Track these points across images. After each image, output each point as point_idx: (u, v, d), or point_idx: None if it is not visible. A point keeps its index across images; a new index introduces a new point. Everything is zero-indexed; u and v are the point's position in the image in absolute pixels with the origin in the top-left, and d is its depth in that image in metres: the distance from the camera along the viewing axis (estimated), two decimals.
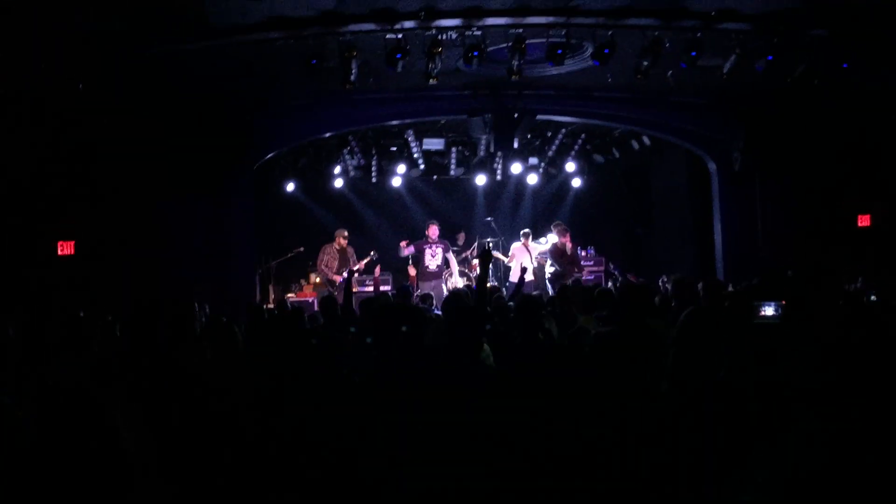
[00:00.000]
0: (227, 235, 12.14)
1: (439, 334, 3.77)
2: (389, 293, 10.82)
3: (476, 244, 14.62)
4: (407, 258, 13.37)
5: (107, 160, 10.15)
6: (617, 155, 15.26)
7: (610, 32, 8.91)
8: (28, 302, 8.21)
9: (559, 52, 9.11)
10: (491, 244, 13.32)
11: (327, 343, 4.45)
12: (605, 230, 16.33)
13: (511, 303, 6.68)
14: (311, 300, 12.60)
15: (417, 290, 12.35)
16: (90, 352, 4.48)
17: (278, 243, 14.08)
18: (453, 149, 14.98)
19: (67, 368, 3.94)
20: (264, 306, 10.33)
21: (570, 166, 15.78)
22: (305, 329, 6.03)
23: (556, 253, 12.67)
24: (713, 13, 8.62)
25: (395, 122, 13.32)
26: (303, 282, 14.16)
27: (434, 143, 14.48)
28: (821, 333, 3.54)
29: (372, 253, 12.70)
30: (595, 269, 14.25)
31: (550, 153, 15.45)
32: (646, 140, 14.12)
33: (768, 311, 3.49)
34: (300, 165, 14.62)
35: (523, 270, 9.25)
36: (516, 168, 15.34)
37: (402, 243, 12.81)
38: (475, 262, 14.16)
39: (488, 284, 6.06)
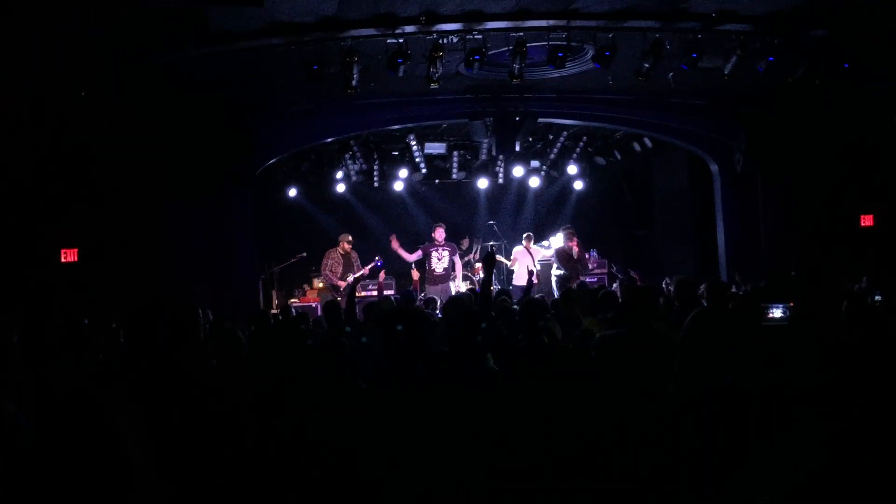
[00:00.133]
0: (230, 241, 12.15)
1: (444, 338, 3.77)
2: (393, 298, 10.82)
3: (479, 248, 14.62)
4: (410, 262, 13.37)
5: (110, 167, 10.16)
6: (619, 157, 15.26)
7: (611, 35, 8.91)
8: (31, 306, 8.21)
9: (560, 54, 9.11)
10: (493, 248, 13.34)
11: (330, 346, 4.45)
12: (608, 232, 16.33)
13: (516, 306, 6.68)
14: (314, 305, 12.58)
15: (422, 294, 12.33)
16: (92, 356, 4.48)
17: (281, 249, 14.09)
18: (455, 152, 14.99)
19: (68, 372, 3.94)
20: (269, 311, 10.34)
21: (572, 169, 15.78)
22: (310, 334, 6.01)
23: (563, 256, 12.69)
24: (714, 14, 8.62)
25: (396, 127, 13.34)
26: (306, 287, 14.15)
27: (436, 147, 14.49)
28: (827, 335, 3.54)
29: (377, 258, 12.69)
30: (598, 271, 14.25)
31: (552, 156, 15.46)
32: (647, 142, 14.11)
33: (776, 313, 3.48)
34: (302, 171, 14.63)
35: (530, 273, 9.27)
36: (518, 171, 15.36)
37: (392, 237, 12.78)
38: (478, 265, 14.17)
39: (492, 288, 6.04)
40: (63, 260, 10.22)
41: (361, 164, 14.96)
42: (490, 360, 4.23)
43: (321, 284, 13.60)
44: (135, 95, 9.57)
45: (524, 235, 13.81)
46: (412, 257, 12.91)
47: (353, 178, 15.43)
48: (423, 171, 15.13)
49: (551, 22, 8.76)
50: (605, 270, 14.39)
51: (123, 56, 8.49)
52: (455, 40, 9.03)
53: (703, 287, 7.71)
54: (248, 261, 12.31)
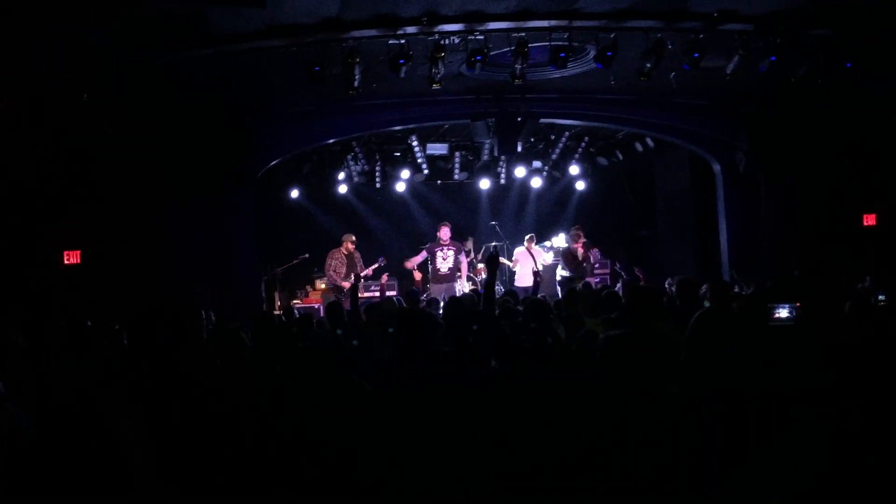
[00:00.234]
0: (231, 242, 12.15)
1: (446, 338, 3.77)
2: (395, 298, 10.83)
3: (483, 249, 14.64)
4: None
5: (111, 168, 10.17)
6: (620, 157, 15.27)
7: (612, 35, 8.91)
8: (33, 307, 8.21)
9: (562, 55, 9.11)
10: (496, 248, 13.36)
11: (333, 347, 4.44)
12: (610, 232, 16.32)
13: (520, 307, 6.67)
14: (317, 306, 12.58)
15: (424, 293, 12.32)
16: (94, 357, 4.48)
17: (283, 250, 14.10)
18: (457, 153, 15.00)
19: (70, 373, 3.94)
20: (273, 313, 10.34)
21: (574, 169, 15.79)
22: (314, 335, 6.01)
23: (568, 257, 12.78)
24: (715, 14, 8.61)
25: (398, 128, 13.34)
26: (308, 288, 14.16)
27: (438, 148, 14.49)
28: (831, 335, 3.53)
29: (380, 259, 12.70)
30: (601, 271, 14.26)
31: (554, 156, 15.46)
32: (649, 142, 14.11)
33: (783, 313, 3.47)
34: (304, 172, 14.64)
35: (535, 274, 9.27)
36: (520, 171, 15.36)
37: (407, 264, 12.79)
38: (480, 266, 14.18)
39: (496, 289, 6.05)
40: (65, 262, 10.23)
41: (363, 165, 14.97)
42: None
43: (324, 285, 13.60)
44: (136, 96, 9.58)
45: (526, 237, 13.82)
46: (419, 259, 12.89)
47: (355, 180, 15.44)
48: (425, 171, 15.13)
49: (553, 22, 8.75)
50: (608, 270, 14.40)
51: (125, 57, 8.49)
52: (457, 41, 9.03)
53: (704, 287, 7.70)
54: (249, 262, 12.30)
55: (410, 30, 8.64)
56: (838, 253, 11.49)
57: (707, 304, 6.42)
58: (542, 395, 3.39)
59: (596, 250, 13.65)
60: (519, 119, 12.11)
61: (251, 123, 11.89)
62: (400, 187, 15.65)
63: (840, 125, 11.73)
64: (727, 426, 2.77)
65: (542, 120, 12.76)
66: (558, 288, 12.61)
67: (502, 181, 16.22)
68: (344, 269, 12.44)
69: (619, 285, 12.92)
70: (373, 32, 8.67)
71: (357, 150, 14.26)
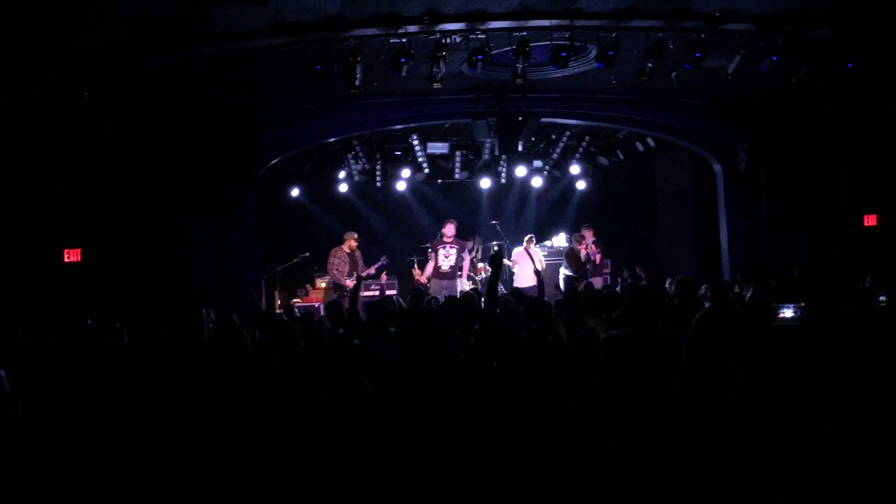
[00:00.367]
0: (232, 241, 12.15)
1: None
2: (395, 298, 10.82)
3: (481, 247, 14.64)
4: (413, 259, 13.36)
5: (112, 167, 10.18)
6: (621, 157, 15.26)
7: (614, 34, 8.89)
8: (34, 306, 8.22)
9: (563, 54, 9.10)
10: (496, 248, 13.36)
11: (335, 347, 4.44)
12: (611, 232, 16.33)
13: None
14: (317, 305, 12.57)
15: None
16: (98, 360, 4.48)
17: (284, 249, 14.09)
18: (458, 152, 14.99)
19: (76, 377, 3.93)
20: (276, 312, 10.34)
21: (575, 168, 15.79)
22: (316, 334, 6.02)
23: (570, 257, 12.85)
24: (717, 14, 8.60)
25: (399, 127, 13.34)
26: (308, 287, 14.15)
27: (438, 147, 14.48)
28: (833, 335, 3.52)
29: (383, 258, 12.68)
30: (607, 271, 14.30)
31: (555, 156, 15.46)
32: (650, 142, 14.11)
33: (787, 312, 3.46)
34: (305, 171, 14.63)
35: (538, 273, 9.29)
36: (521, 171, 15.36)
37: (421, 278, 12.73)
38: (481, 265, 14.19)
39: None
40: (66, 259, 10.24)
41: (364, 164, 14.97)
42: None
43: (324, 284, 13.58)
44: (137, 95, 9.57)
45: (526, 237, 13.82)
46: (431, 267, 12.75)
47: (356, 178, 15.43)
48: (426, 170, 15.13)
49: (554, 21, 8.73)
50: (609, 270, 14.43)
51: (126, 56, 8.49)
52: (458, 40, 9.01)
53: (704, 287, 7.70)
54: (251, 260, 12.30)
55: (412, 29, 8.62)
56: (839, 253, 11.49)
57: (707, 304, 6.43)
58: (544, 395, 3.39)
59: (599, 250, 13.65)
60: (520, 118, 12.09)
61: (252, 122, 11.89)
62: (400, 186, 15.65)
63: (841, 125, 11.74)
64: (730, 425, 2.77)
65: (543, 119, 12.74)
66: (561, 286, 12.63)
67: (503, 180, 16.23)
68: (347, 268, 12.35)
69: (620, 282, 12.99)
70: (374, 31, 8.65)
71: (358, 148, 14.25)
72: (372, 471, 3.01)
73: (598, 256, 13.40)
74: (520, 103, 12.09)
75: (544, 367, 3.94)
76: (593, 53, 9.60)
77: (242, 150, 11.90)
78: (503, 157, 14.81)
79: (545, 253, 14.32)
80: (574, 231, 14.88)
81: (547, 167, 15.98)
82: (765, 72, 9.47)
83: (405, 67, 8.94)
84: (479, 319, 4.82)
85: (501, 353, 4.26)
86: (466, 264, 12.98)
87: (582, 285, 11.17)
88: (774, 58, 9.24)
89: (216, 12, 7.81)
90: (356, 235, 12.75)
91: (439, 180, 16.07)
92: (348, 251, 12.52)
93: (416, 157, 14.63)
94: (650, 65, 9.34)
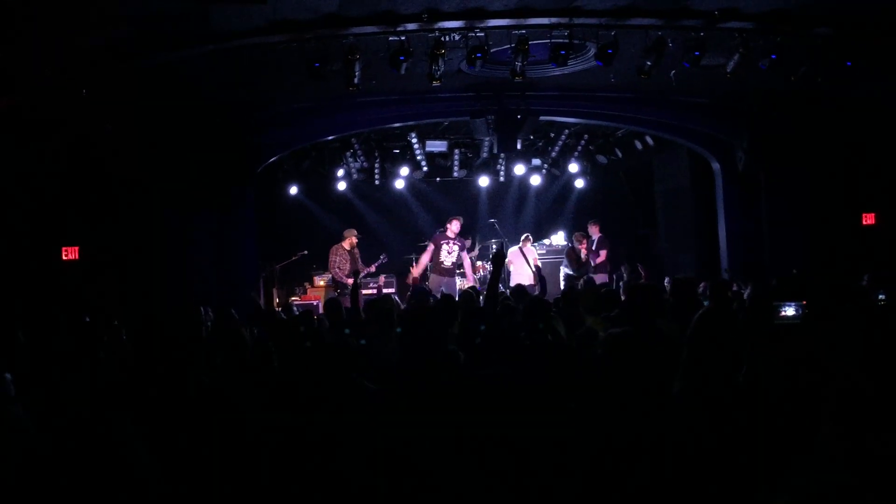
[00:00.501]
0: (231, 239, 12.13)
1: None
2: (393, 296, 10.81)
3: (480, 246, 14.63)
4: (411, 257, 13.33)
5: (111, 165, 10.17)
6: (620, 155, 15.26)
7: (613, 32, 8.89)
8: (34, 308, 8.21)
9: (562, 52, 9.10)
10: (501, 246, 13.36)
11: (336, 346, 4.43)
12: (609, 231, 16.33)
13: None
14: (315, 303, 12.55)
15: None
16: (98, 359, 4.47)
17: (282, 247, 14.07)
18: (456, 150, 15.00)
19: (76, 377, 3.93)
20: (275, 309, 10.32)
21: (574, 167, 15.79)
22: (316, 332, 6.00)
23: (571, 256, 12.89)
24: (716, 12, 8.60)
25: (397, 125, 13.33)
26: (307, 285, 14.14)
27: (437, 145, 14.47)
28: (833, 334, 3.52)
29: (382, 256, 12.66)
30: (607, 268, 14.27)
31: (553, 154, 15.47)
32: (649, 140, 14.11)
33: (789, 311, 3.45)
34: (303, 169, 14.62)
35: (539, 270, 9.31)
36: (519, 169, 15.37)
37: (415, 272, 12.61)
38: (480, 264, 14.19)
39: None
40: (64, 257, 10.23)
41: (362, 162, 14.96)
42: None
43: (322, 282, 13.56)
44: (137, 95, 9.56)
45: (522, 236, 13.82)
46: (425, 259, 12.60)
47: (354, 176, 15.43)
48: (425, 168, 15.13)
49: (553, 19, 8.73)
50: (608, 268, 14.40)
51: (126, 56, 8.47)
52: (457, 38, 9.01)
53: (703, 285, 7.70)
54: (250, 258, 12.28)
55: (411, 26, 8.62)
56: (837, 251, 11.50)
57: (706, 303, 6.43)
58: (544, 394, 3.39)
59: (604, 248, 13.65)
60: (519, 116, 12.09)
61: (251, 120, 11.87)
62: (399, 184, 15.65)
63: (840, 124, 11.74)
64: (730, 425, 2.77)
65: (542, 117, 12.75)
66: (562, 286, 12.66)
67: (501, 179, 16.23)
68: (348, 266, 12.28)
69: (621, 281, 12.99)
70: (373, 29, 8.65)
71: (356, 146, 14.25)
72: (372, 471, 3.01)
73: (603, 253, 13.41)
74: (519, 101, 12.09)
75: (544, 366, 3.94)
76: (592, 52, 9.59)
77: (241, 149, 11.88)
78: (502, 155, 14.81)
79: (543, 251, 14.32)
80: (573, 229, 14.90)
81: (545, 165, 15.98)
82: (764, 70, 9.48)
83: (404, 65, 8.93)
84: (479, 318, 4.81)
85: (501, 352, 4.26)
86: (468, 263, 12.92)
87: (581, 282, 11.19)
88: (773, 56, 9.24)
89: (215, 11, 7.81)
90: (356, 232, 12.72)
91: (438, 178, 16.08)
92: (349, 248, 12.47)
93: (414, 156, 14.63)
94: (649, 63, 9.34)
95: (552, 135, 14.92)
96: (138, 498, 2.53)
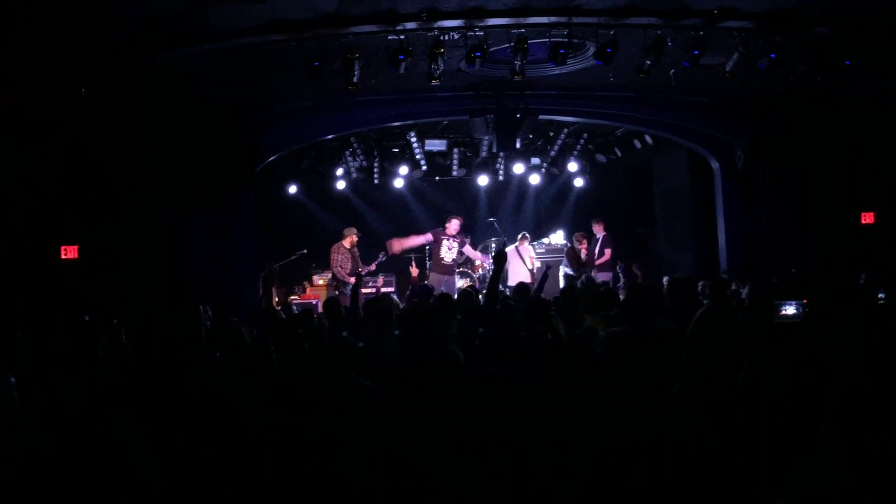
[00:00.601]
0: (230, 238, 12.13)
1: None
2: (392, 295, 10.80)
3: (480, 246, 14.64)
4: (410, 256, 13.31)
5: (110, 164, 10.16)
6: (619, 154, 15.26)
7: (612, 31, 8.90)
8: (34, 307, 8.20)
9: (561, 51, 9.10)
10: (503, 244, 13.36)
11: (336, 345, 4.43)
12: (609, 230, 16.33)
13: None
14: (314, 302, 12.53)
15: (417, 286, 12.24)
16: (98, 359, 4.47)
17: (281, 246, 14.06)
18: (455, 149, 15.00)
19: (76, 377, 3.93)
20: (276, 308, 10.31)
21: (573, 166, 15.79)
22: (316, 331, 6.00)
23: (571, 256, 12.91)
24: (715, 11, 8.60)
25: (397, 124, 13.33)
26: (306, 284, 14.12)
27: (436, 144, 14.49)
28: (833, 333, 3.52)
29: (381, 254, 12.64)
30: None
31: (553, 153, 15.47)
32: (648, 139, 14.12)
33: (789, 310, 3.45)
34: (302, 168, 14.62)
35: (541, 267, 9.31)
36: (518, 168, 15.36)
37: (395, 244, 12.49)
38: (478, 262, 14.18)
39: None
40: (63, 256, 10.23)
41: (362, 161, 14.96)
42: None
43: (322, 281, 13.54)
44: (136, 94, 9.55)
45: (519, 235, 13.82)
46: (421, 239, 12.48)
47: (354, 175, 15.43)
48: (424, 168, 15.12)
49: (553, 18, 8.74)
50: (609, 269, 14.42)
51: (125, 54, 8.47)
52: (456, 37, 9.01)
53: (701, 285, 7.70)
54: (249, 258, 12.28)
55: (410, 25, 8.62)
56: (836, 251, 11.51)
57: (706, 301, 6.43)
58: (544, 393, 3.39)
59: (608, 248, 13.65)
60: (518, 115, 12.09)
61: (250, 119, 11.87)
62: (398, 183, 15.66)
63: (839, 123, 11.74)
64: (730, 425, 2.77)
65: (541, 116, 12.75)
66: (561, 285, 12.65)
67: (500, 178, 16.23)
68: (349, 265, 12.23)
69: (621, 280, 13.01)
70: (372, 28, 8.65)
71: (355, 145, 14.25)
72: (372, 471, 3.01)
73: (608, 252, 13.44)
74: (518, 100, 12.09)
75: (544, 365, 3.95)
76: (591, 51, 9.60)
77: (241, 148, 11.88)
78: (501, 154, 14.81)
79: (542, 250, 14.30)
80: (572, 228, 14.90)
81: (545, 164, 15.99)
82: (763, 70, 9.48)
83: (403, 64, 8.93)
84: (479, 317, 4.80)
85: (501, 351, 4.26)
86: (475, 254, 12.88)
87: (581, 280, 11.20)
88: (773, 55, 9.24)
89: (214, 10, 7.80)
90: (356, 231, 12.68)
91: (437, 177, 16.08)
92: (349, 247, 12.43)
93: (413, 155, 14.63)
94: (648, 62, 9.35)
95: (551, 134, 14.92)
96: (138, 498, 2.53)
